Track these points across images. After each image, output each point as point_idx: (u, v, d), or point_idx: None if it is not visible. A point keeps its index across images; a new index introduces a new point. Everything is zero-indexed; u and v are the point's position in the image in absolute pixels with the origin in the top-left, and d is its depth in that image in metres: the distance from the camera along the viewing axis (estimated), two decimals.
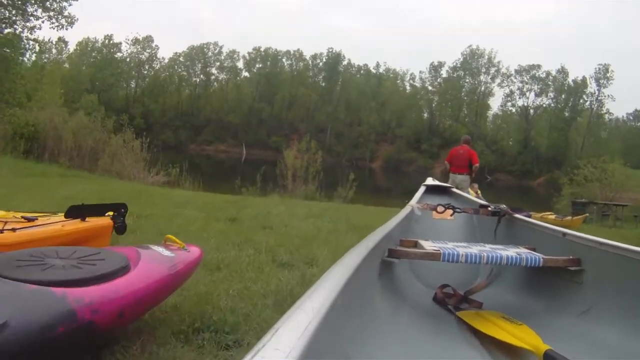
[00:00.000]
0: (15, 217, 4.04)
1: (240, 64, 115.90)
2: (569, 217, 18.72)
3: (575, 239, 3.35)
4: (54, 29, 29.60)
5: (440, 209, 4.65)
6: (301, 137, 22.48)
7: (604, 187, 29.45)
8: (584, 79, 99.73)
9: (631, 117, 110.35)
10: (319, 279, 1.80)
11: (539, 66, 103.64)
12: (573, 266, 3.21)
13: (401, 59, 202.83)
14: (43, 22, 29.25)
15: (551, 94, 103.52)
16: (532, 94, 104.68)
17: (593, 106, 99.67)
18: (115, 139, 24.34)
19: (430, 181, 7.11)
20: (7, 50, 28.40)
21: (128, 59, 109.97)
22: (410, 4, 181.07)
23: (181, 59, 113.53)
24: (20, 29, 29.34)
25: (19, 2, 28.30)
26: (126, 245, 3.86)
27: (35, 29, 29.77)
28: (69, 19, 29.75)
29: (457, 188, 13.40)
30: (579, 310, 3.07)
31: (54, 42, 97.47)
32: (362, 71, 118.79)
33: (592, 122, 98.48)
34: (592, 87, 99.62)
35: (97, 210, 4.61)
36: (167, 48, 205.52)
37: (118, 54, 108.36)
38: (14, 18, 28.91)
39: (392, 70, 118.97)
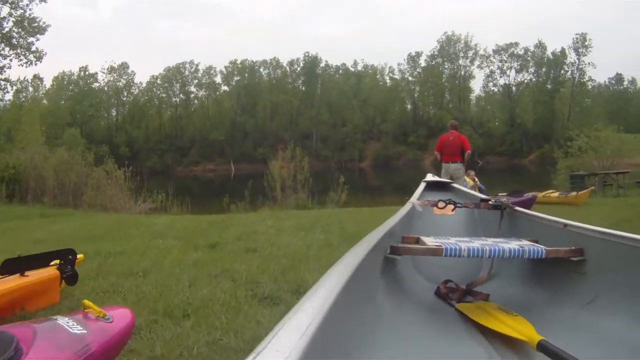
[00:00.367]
0: None
1: (218, 79, 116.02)
2: (574, 193, 17.55)
3: (577, 230, 3.29)
4: (22, 65, 29.30)
5: (441, 204, 4.54)
6: (287, 146, 21.87)
7: (599, 156, 28.58)
8: (562, 50, 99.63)
9: (613, 82, 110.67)
10: (320, 279, 1.78)
11: (516, 44, 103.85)
12: (575, 256, 3.16)
13: (379, 56, 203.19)
14: (11, 60, 28.88)
15: (532, 69, 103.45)
16: (513, 71, 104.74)
17: (575, 75, 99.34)
18: (97, 172, 23.82)
19: (430, 177, 7.13)
20: None
21: (106, 88, 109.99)
22: (380, 1, 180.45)
23: (159, 81, 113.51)
24: None
25: None
26: (22, 322, 3.07)
27: (5, 69, 29.43)
28: (37, 54, 29.46)
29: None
30: (582, 301, 3.02)
31: (30, 80, 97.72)
32: (340, 71, 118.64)
33: (576, 91, 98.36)
34: (571, 57, 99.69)
35: (39, 260, 4.15)
36: (144, 72, 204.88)
37: (95, 84, 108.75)
38: None
39: (371, 66, 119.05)
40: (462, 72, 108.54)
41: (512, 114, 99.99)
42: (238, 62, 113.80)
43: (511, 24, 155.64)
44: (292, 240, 8.41)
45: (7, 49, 28.64)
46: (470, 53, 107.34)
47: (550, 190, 19.27)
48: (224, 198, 19.60)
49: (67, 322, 2.84)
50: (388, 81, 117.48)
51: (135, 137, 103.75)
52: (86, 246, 7.88)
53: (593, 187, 20.14)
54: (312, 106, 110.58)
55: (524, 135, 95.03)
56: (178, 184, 63.13)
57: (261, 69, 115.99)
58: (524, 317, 2.91)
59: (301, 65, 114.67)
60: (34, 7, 29.29)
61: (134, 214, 19.16)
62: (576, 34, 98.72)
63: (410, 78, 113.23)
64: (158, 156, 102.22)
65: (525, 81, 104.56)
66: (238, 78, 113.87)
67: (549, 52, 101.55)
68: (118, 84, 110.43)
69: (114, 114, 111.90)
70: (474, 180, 15.93)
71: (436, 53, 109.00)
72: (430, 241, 3.40)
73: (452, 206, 4.55)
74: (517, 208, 4.46)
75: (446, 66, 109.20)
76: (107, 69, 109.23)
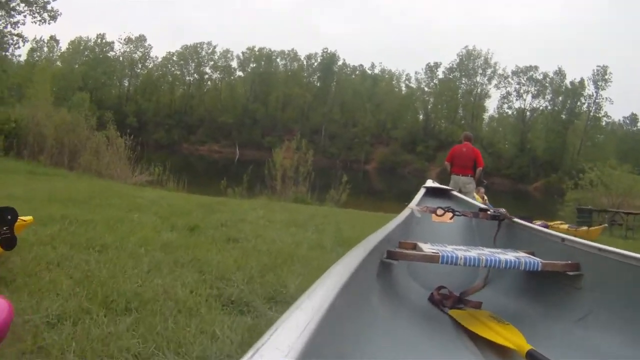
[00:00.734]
0: None
1: (234, 64, 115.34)
2: (585, 228, 16.63)
3: (575, 244, 3.37)
4: (36, 23, 29.01)
5: (439, 211, 4.63)
6: (294, 137, 21.29)
7: (610, 193, 27.84)
8: (581, 81, 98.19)
9: (627, 121, 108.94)
10: (319, 279, 1.77)
11: (536, 67, 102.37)
12: (572, 271, 3.21)
13: (396, 61, 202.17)
14: (25, 16, 28.54)
15: (548, 96, 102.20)
16: (529, 95, 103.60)
17: (591, 109, 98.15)
18: (97, 136, 23.41)
19: (430, 183, 7.12)
20: None
21: (121, 58, 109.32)
22: (403, 7, 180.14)
23: (174, 58, 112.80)
24: (2, 25, 28.64)
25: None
26: None
27: (19, 24, 29.11)
28: (52, 13, 29.05)
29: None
30: (576, 317, 3.07)
31: (45, 41, 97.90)
32: (357, 72, 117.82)
33: (590, 125, 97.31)
34: (589, 89, 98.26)
35: None
36: (160, 48, 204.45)
37: (111, 52, 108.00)
38: None
39: (388, 71, 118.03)
40: (479, 90, 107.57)
41: (523, 138, 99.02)
42: (256, 49, 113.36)
43: (531, 45, 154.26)
44: (281, 236, 7.62)
45: (22, 4, 28.27)
46: (489, 71, 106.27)
47: (559, 222, 18.40)
48: (222, 181, 18.98)
49: None
50: (403, 88, 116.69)
51: (145, 109, 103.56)
52: (56, 209, 7.38)
53: (606, 225, 18.99)
54: (325, 103, 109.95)
55: (532, 161, 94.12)
56: (182, 160, 63.24)
57: (278, 59, 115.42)
58: (517, 328, 2.91)
59: (318, 60, 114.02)
60: None
61: (128, 184, 18.70)
62: (597, 66, 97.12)
63: (426, 88, 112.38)
64: (165, 130, 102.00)
65: (541, 108, 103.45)
66: (254, 65, 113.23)
67: (567, 81, 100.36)
68: (134, 55, 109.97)
69: (126, 84, 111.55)
70: (482, 199, 15.10)
71: (454, 66, 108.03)
72: (427, 248, 3.48)
73: (450, 214, 4.61)
74: (515, 219, 4.50)
75: (463, 81, 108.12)
76: (124, 40, 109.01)
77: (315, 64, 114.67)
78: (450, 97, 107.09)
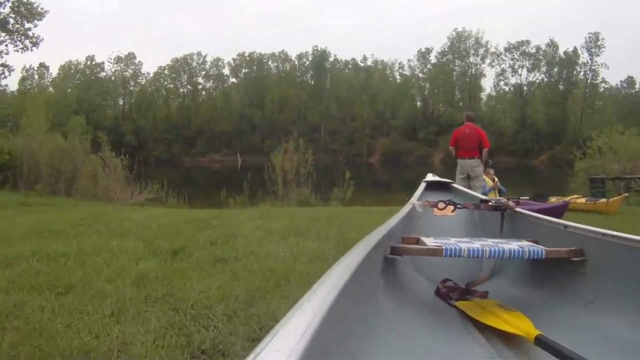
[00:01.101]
0: None
1: (226, 71, 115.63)
2: (604, 200, 15.38)
3: (578, 231, 3.34)
4: (18, 51, 28.61)
5: (441, 205, 4.65)
6: (291, 137, 20.79)
7: (620, 159, 26.84)
8: (575, 50, 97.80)
9: (625, 85, 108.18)
10: (320, 279, 1.75)
11: (528, 42, 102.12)
12: (576, 257, 3.19)
13: (388, 51, 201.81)
14: (7, 45, 28.20)
15: (543, 69, 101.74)
16: (524, 70, 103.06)
17: (587, 77, 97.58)
18: (92, 159, 23.00)
19: (430, 177, 7.13)
20: None
21: (113, 77, 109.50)
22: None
23: (166, 72, 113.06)
24: None
25: None
26: None
27: (2, 54, 28.79)
28: (33, 40, 28.67)
29: (468, 177, 11.68)
30: (583, 302, 3.05)
31: (36, 69, 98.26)
32: (349, 65, 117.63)
33: (588, 93, 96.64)
34: (584, 57, 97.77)
35: None
36: (151, 63, 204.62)
37: (102, 73, 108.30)
38: None
39: (381, 62, 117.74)
40: (473, 70, 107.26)
41: (524, 113, 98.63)
42: (246, 54, 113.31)
43: (521, 20, 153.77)
44: (278, 249, 6.99)
45: (2, 34, 27.95)
46: (482, 50, 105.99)
47: (576, 196, 17.23)
48: (222, 191, 18.50)
49: None
50: (398, 77, 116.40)
51: (142, 127, 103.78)
52: (30, 244, 6.88)
53: (627, 194, 17.70)
54: (321, 100, 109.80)
55: (535, 135, 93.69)
56: (184, 174, 63.02)
57: (269, 62, 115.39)
58: (524, 315, 2.90)
59: (310, 59, 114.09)
60: None
61: (127, 205, 18.26)
62: (589, 33, 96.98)
63: (420, 75, 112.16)
64: (165, 146, 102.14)
65: (537, 81, 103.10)
66: (246, 70, 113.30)
67: (561, 52, 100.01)
68: (125, 73, 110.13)
69: (120, 103, 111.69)
70: (493, 181, 14.39)
71: (446, 50, 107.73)
72: (430, 241, 3.44)
73: (452, 207, 4.62)
74: (518, 209, 4.52)
75: (457, 63, 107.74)
76: (114, 59, 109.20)
77: (307, 62, 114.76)
78: (446, 81, 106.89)
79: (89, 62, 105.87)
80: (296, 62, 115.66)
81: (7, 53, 28.91)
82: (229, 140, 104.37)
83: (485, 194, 10.61)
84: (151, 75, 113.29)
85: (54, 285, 4.81)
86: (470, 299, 3.54)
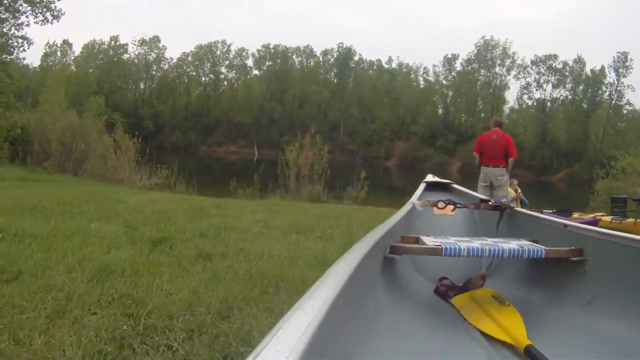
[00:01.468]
0: None
1: (249, 62, 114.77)
2: (631, 220, 14.69)
3: (577, 230, 3.40)
4: (38, 23, 28.20)
5: (441, 204, 4.67)
6: (309, 133, 20.31)
7: None
8: (602, 69, 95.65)
9: None
10: (320, 278, 1.75)
11: (555, 56, 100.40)
12: (575, 256, 3.23)
13: (413, 54, 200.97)
14: (27, 16, 27.87)
15: (568, 85, 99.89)
16: (549, 85, 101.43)
17: (612, 97, 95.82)
18: (105, 139, 22.73)
19: (430, 178, 7.30)
20: None
21: (136, 60, 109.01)
22: (419, 4, 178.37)
23: (189, 58, 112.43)
24: (8, 28, 28.05)
25: (10, 1, 26.98)
26: None
27: (23, 26, 28.48)
28: (54, 13, 28.29)
29: (491, 186, 11.04)
30: (582, 301, 3.07)
31: (59, 45, 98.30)
32: (374, 67, 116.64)
33: (612, 114, 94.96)
34: (610, 77, 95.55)
35: None
36: (175, 48, 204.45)
37: (125, 55, 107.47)
38: (3, 16, 27.55)
39: (405, 65, 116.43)
40: (497, 82, 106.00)
41: (545, 129, 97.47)
42: (271, 46, 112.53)
43: (550, 35, 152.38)
44: (274, 247, 6.33)
45: (25, 4, 27.61)
46: (508, 61, 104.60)
47: (601, 213, 16.79)
48: (232, 181, 18.06)
49: None
50: (422, 82, 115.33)
51: (161, 112, 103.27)
52: (3, 220, 6.40)
53: None
54: (343, 99, 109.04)
55: (554, 152, 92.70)
56: (199, 162, 62.94)
57: (294, 56, 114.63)
58: (522, 315, 2.95)
59: (335, 56, 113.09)
60: None
61: (133, 188, 17.89)
62: (617, 53, 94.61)
63: (444, 81, 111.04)
64: (182, 133, 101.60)
65: (561, 98, 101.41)
66: (270, 63, 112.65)
67: (587, 69, 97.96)
68: (148, 57, 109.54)
69: (141, 87, 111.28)
70: (516, 192, 13.70)
71: (473, 57, 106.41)
72: (429, 241, 3.48)
73: (452, 206, 4.67)
74: (517, 208, 4.69)
75: (482, 73, 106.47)
76: (138, 41, 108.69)
77: (332, 59, 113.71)
78: (469, 90, 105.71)
79: (112, 43, 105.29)
80: (320, 59, 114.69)
81: (27, 25, 28.64)
82: (246, 133, 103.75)
83: None
84: (174, 60, 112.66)
85: (2, 270, 4.23)
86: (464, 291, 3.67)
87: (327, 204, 15.54)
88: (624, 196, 21.37)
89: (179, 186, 20.10)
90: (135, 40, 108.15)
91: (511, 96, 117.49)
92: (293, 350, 1.06)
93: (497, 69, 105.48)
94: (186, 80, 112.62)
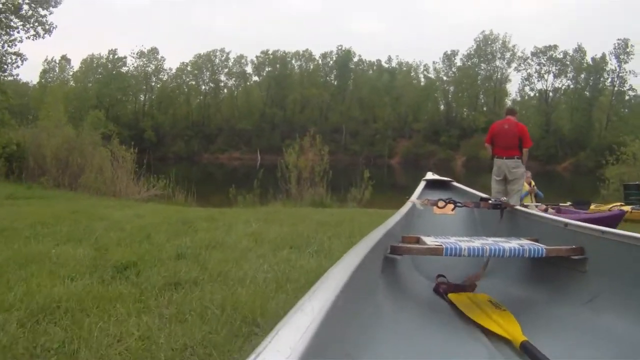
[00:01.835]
0: None
1: (248, 69, 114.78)
2: None
3: (578, 229, 3.46)
4: (30, 38, 27.89)
5: (441, 204, 4.78)
6: (308, 134, 19.67)
7: None
8: (603, 56, 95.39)
9: None
10: (320, 279, 1.77)
11: (555, 47, 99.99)
12: (576, 255, 3.28)
13: (413, 54, 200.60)
14: (18, 31, 27.55)
15: (570, 75, 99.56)
16: (551, 76, 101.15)
17: (615, 84, 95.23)
18: (102, 151, 22.43)
19: (430, 176, 7.53)
20: None
21: (135, 73, 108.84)
22: (419, 2, 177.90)
23: (188, 68, 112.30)
24: (1, 44, 27.81)
25: (2, 16, 26.68)
26: None
27: (16, 42, 28.20)
28: (46, 27, 27.95)
29: (505, 179, 10.36)
30: (583, 300, 3.09)
31: (57, 61, 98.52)
32: (374, 67, 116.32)
33: (615, 101, 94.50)
34: (612, 63, 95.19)
35: None
36: (174, 58, 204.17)
37: (124, 68, 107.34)
38: None
39: (405, 63, 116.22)
40: (498, 75, 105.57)
41: (548, 119, 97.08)
42: (270, 52, 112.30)
43: (550, 26, 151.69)
44: (261, 268, 5.56)
45: (16, 20, 27.30)
46: (508, 55, 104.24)
47: (619, 203, 16.02)
48: (230, 188, 17.57)
49: None
50: (422, 79, 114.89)
51: (162, 123, 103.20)
52: None
53: None
54: (343, 101, 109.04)
55: (559, 141, 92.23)
56: (202, 170, 62.78)
57: (293, 61, 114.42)
58: (523, 314, 3.04)
59: (334, 58, 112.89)
60: None
61: (130, 200, 17.50)
62: (618, 40, 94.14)
63: (445, 78, 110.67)
64: (184, 142, 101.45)
65: (563, 87, 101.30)
66: (269, 69, 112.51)
67: (588, 58, 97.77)
68: (147, 69, 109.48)
69: (141, 99, 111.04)
70: (530, 185, 12.97)
71: (472, 52, 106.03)
72: (430, 241, 3.60)
73: (452, 205, 4.82)
74: (517, 207, 4.74)
75: (482, 67, 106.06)
76: (137, 54, 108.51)
77: (331, 62, 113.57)
78: (470, 84, 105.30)
79: (111, 56, 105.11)
80: (320, 62, 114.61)
81: (21, 41, 28.36)
82: (248, 139, 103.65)
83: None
84: (173, 71, 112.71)
85: None
86: (462, 291, 3.69)
87: (330, 209, 14.97)
88: (637, 183, 20.76)
89: (178, 196, 19.76)
90: (133, 53, 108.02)
91: (513, 88, 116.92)
92: (293, 351, 1.06)
93: (497, 62, 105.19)
94: (186, 89, 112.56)
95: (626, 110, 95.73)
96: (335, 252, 6.60)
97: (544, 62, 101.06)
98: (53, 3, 28.05)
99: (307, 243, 7.22)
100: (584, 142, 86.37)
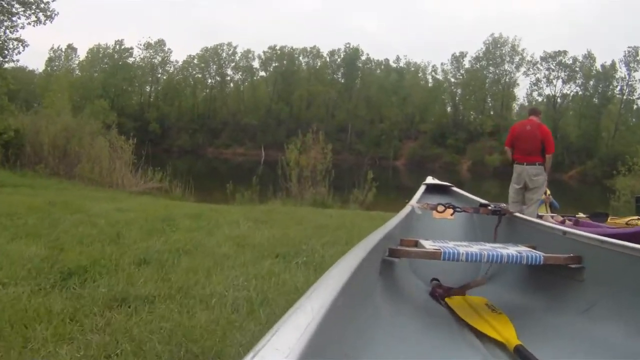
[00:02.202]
0: None
1: (255, 64, 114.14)
2: None
3: (576, 237, 3.41)
4: (31, 24, 27.43)
5: (440, 208, 4.80)
6: (311, 130, 19.10)
7: None
8: (612, 63, 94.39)
9: None
10: (319, 279, 1.76)
11: (565, 52, 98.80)
12: (574, 264, 3.25)
13: (421, 54, 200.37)
14: (19, 17, 27.13)
15: (579, 81, 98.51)
16: (559, 81, 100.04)
17: (624, 91, 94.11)
18: (100, 141, 22.09)
19: (430, 180, 7.33)
20: None
21: (141, 64, 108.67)
22: (427, 2, 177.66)
23: (195, 61, 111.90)
24: (2, 30, 27.39)
25: (4, 2, 26.29)
26: None
27: (18, 28, 27.78)
28: (47, 13, 27.50)
29: (525, 187, 9.62)
30: (580, 309, 3.08)
31: (63, 50, 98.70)
32: (382, 66, 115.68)
33: (624, 109, 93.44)
34: (621, 71, 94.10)
35: None
36: (180, 51, 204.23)
37: (130, 59, 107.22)
38: None
39: (413, 64, 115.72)
40: (507, 79, 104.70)
41: (555, 126, 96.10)
42: (277, 47, 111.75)
43: (550, 27, 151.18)
44: (234, 283, 4.63)
45: (17, 6, 26.89)
46: (517, 58, 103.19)
47: (636, 217, 15.37)
48: (228, 184, 17.06)
49: None
50: (430, 80, 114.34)
51: (167, 115, 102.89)
52: None
53: None
54: (350, 99, 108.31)
55: (565, 149, 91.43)
56: (206, 164, 62.37)
57: (300, 57, 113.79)
58: (520, 322, 2.98)
59: (342, 56, 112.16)
60: None
61: (123, 192, 17.17)
62: (628, 47, 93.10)
63: (452, 79, 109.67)
64: (189, 135, 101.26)
65: (572, 93, 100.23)
66: (276, 64, 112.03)
67: (597, 65, 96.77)
68: (154, 60, 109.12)
69: (147, 90, 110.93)
70: (545, 193, 12.33)
71: (481, 55, 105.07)
72: (428, 244, 3.52)
73: (451, 210, 4.83)
74: (516, 214, 4.72)
75: (490, 70, 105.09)
76: (144, 45, 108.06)
77: (339, 60, 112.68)
78: (478, 87, 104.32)
79: (117, 47, 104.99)
80: (327, 59, 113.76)
81: (22, 27, 27.89)
82: (253, 134, 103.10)
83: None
84: (180, 63, 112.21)
85: None
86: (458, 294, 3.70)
87: (331, 209, 14.32)
88: None
89: (176, 190, 19.37)
90: (140, 44, 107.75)
91: (521, 93, 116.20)
92: (292, 350, 1.06)
93: (506, 66, 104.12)
94: (192, 82, 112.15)
95: (634, 119, 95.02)
96: (327, 265, 5.20)
97: (552, 67, 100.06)
98: None
99: (297, 251, 6.35)
100: (590, 151, 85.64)
